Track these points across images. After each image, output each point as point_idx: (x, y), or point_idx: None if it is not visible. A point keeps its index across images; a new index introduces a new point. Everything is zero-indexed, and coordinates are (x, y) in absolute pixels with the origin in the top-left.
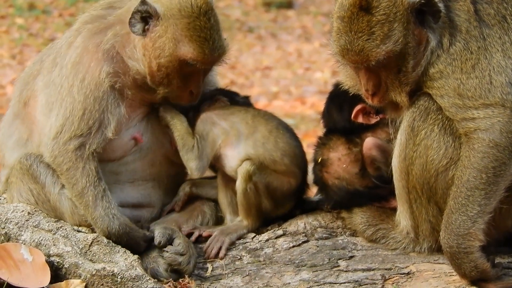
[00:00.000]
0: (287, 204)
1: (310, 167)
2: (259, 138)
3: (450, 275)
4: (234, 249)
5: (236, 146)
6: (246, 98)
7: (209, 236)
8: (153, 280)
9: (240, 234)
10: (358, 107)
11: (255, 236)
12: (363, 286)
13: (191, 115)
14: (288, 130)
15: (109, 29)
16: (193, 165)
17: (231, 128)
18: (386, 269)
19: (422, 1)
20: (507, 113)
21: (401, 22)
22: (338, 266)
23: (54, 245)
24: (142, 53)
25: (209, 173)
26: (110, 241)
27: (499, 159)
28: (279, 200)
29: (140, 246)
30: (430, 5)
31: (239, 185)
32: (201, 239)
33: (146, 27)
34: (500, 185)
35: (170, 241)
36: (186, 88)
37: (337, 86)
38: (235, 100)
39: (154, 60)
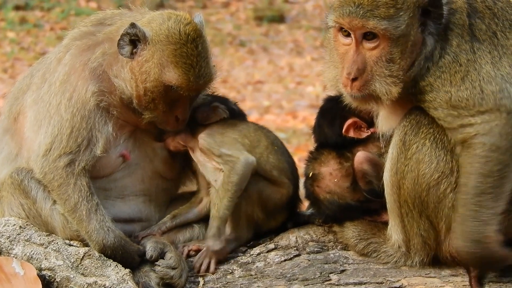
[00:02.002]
0: (279, 217)
1: (302, 181)
2: (258, 152)
3: None
4: (225, 263)
5: None
6: (236, 104)
7: (199, 250)
8: None
9: (230, 248)
10: (349, 121)
11: (246, 250)
12: None
13: (188, 126)
14: (281, 146)
15: (97, 47)
16: (240, 163)
17: (241, 137)
18: (377, 283)
19: None
20: (503, 116)
21: (407, 13)
22: (330, 280)
23: (45, 259)
24: (129, 76)
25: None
26: (102, 255)
27: (502, 161)
28: (271, 211)
29: (135, 260)
30: (436, 6)
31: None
32: (191, 254)
33: (134, 50)
34: (506, 186)
35: (161, 255)
36: (172, 114)
37: (328, 100)
38: (230, 108)
39: (140, 84)
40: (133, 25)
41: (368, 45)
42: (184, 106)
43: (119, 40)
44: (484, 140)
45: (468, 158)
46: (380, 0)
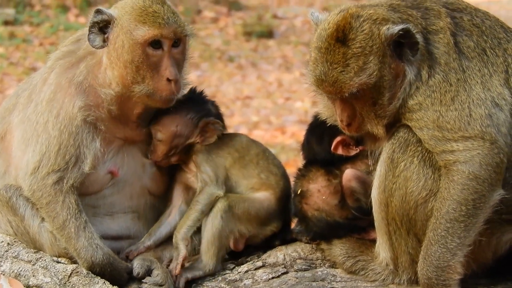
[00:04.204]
0: (274, 223)
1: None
2: (247, 159)
3: None
4: (213, 280)
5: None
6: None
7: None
8: None
9: (196, 275)
10: (338, 138)
11: (234, 267)
12: None
13: (184, 149)
14: (272, 155)
15: (80, 62)
16: (209, 188)
17: (233, 150)
18: None
19: (400, 32)
20: (486, 146)
21: (377, 55)
22: None
23: (33, 276)
24: (109, 64)
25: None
26: (90, 272)
27: (479, 191)
28: (264, 220)
29: (123, 277)
30: (408, 37)
31: (213, 222)
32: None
33: (106, 36)
34: (479, 217)
35: (148, 272)
36: (161, 77)
37: (317, 117)
38: (214, 113)
39: (119, 62)
40: (98, 11)
41: (350, 97)
42: (169, 64)
43: (88, 35)
44: (463, 168)
45: (446, 184)
46: (348, 52)
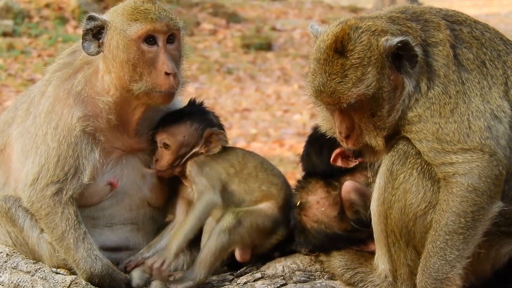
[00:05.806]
0: (279, 231)
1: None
2: (245, 173)
3: None
4: None
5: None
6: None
7: None
8: None
9: (187, 286)
10: (337, 150)
11: (233, 279)
12: None
13: (181, 161)
14: (270, 165)
15: (78, 73)
16: (207, 195)
17: (228, 166)
18: None
19: (399, 44)
20: (485, 158)
21: (376, 66)
22: None
23: (32, 286)
24: (106, 68)
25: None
26: (89, 283)
27: (478, 203)
28: (270, 229)
29: None
30: (407, 49)
31: (219, 236)
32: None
33: (100, 41)
34: (478, 229)
35: (147, 284)
36: (159, 72)
37: (316, 129)
38: (217, 123)
39: (115, 63)
40: (90, 18)
41: (349, 108)
42: (166, 58)
43: (82, 43)
44: (462, 180)
45: (445, 196)
46: (346, 63)
